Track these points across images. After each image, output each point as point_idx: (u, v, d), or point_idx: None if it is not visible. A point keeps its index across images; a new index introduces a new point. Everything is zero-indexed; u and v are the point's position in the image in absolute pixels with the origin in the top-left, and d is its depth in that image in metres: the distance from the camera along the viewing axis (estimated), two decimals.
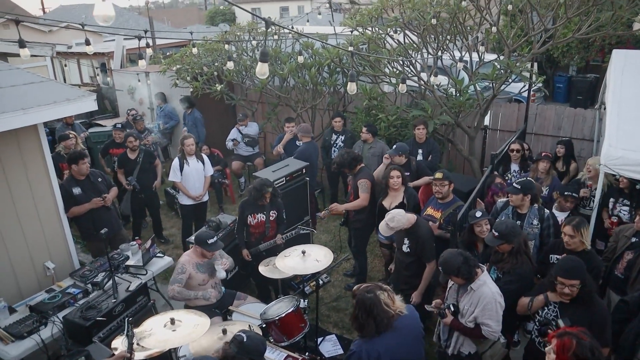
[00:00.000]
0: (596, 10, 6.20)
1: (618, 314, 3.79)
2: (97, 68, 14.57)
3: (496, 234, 3.93)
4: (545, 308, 3.69)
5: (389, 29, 7.37)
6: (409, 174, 5.86)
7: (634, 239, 4.39)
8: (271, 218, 5.40)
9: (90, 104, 5.07)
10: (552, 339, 2.76)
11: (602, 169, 4.54)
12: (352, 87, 4.42)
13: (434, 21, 6.65)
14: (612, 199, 5.28)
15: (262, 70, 3.30)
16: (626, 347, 3.53)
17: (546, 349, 2.84)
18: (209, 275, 4.68)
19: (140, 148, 7.04)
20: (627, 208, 5.18)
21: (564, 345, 2.64)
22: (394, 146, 5.94)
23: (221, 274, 4.72)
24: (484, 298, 3.52)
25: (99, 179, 5.82)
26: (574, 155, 6.47)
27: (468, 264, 3.53)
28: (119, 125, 7.72)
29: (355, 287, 3.27)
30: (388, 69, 7.69)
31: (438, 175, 4.94)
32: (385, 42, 7.60)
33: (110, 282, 4.73)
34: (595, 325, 3.39)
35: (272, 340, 4.11)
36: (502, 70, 6.67)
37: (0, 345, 4.11)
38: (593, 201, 5.28)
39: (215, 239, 4.57)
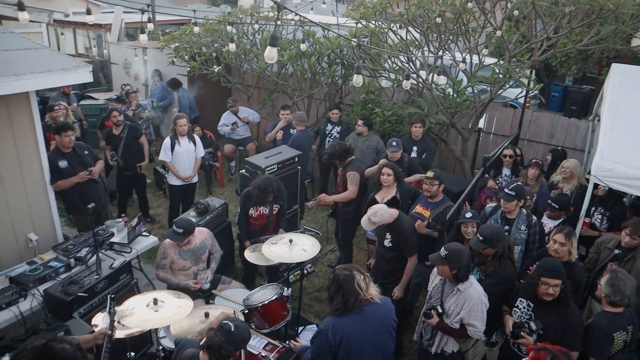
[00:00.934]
0: (599, 23, 6.21)
1: None
2: (93, 39, 14.33)
3: (481, 238, 3.97)
4: (518, 311, 3.77)
5: (392, 24, 7.33)
6: (400, 170, 5.87)
7: (617, 251, 4.47)
8: (274, 212, 5.37)
9: (85, 75, 4.99)
10: (531, 351, 2.83)
11: (591, 180, 4.59)
12: (358, 80, 4.40)
13: (438, 20, 6.62)
14: (593, 207, 5.39)
15: (270, 54, 3.25)
16: None
17: (523, 359, 2.90)
18: (191, 263, 4.65)
19: (125, 123, 6.94)
20: (600, 216, 5.34)
21: (538, 358, 2.73)
22: (394, 142, 5.95)
23: (204, 286, 4.66)
24: (471, 299, 3.57)
25: (86, 152, 5.73)
26: None
27: (469, 266, 3.63)
28: (114, 97, 7.61)
29: (337, 266, 3.36)
30: (388, 64, 7.66)
31: (429, 174, 4.95)
32: (388, 37, 7.56)
33: (94, 257, 4.68)
34: (568, 330, 3.49)
35: (253, 327, 4.10)
36: (500, 75, 6.68)
37: None
38: None
39: (180, 230, 4.41)
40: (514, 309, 3.81)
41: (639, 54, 8.21)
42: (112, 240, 5.19)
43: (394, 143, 5.92)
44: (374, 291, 3.25)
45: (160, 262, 4.58)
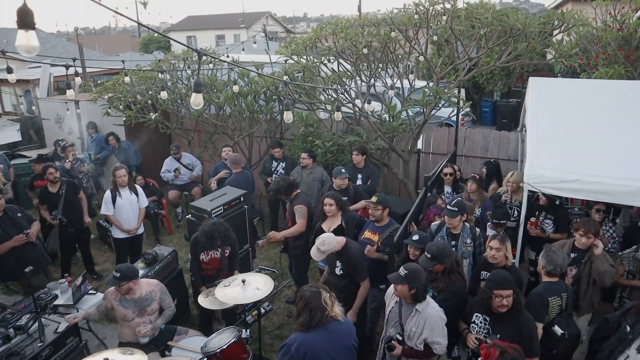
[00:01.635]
0: (513, 41, 6.67)
1: (600, 332, 3.99)
2: (20, 96, 13.87)
3: (429, 255, 4.09)
4: (476, 326, 3.85)
5: (323, 58, 7.56)
6: (347, 198, 5.97)
7: (573, 254, 4.65)
8: (226, 254, 5.25)
9: (12, 134, 4.88)
10: (483, 349, 3.03)
11: (525, 187, 4.84)
12: (288, 116, 4.51)
13: (365, 50, 6.90)
14: (537, 213, 5.66)
15: (196, 100, 3.29)
16: None
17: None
18: (133, 313, 4.46)
19: (62, 180, 6.67)
20: (549, 221, 5.62)
21: (488, 355, 2.96)
22: (342, 169, 6.10)
23: (141, 340, 4.44)
24: (431, 318, 3.63)
25: (19, 214, 5.48)
26: (500, 175, 6.84)
27: (426, 287, 3.71)
28: (35, 157, 7.28)
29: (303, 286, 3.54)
30: (323, 96, 7.86)
31: (373, 199, 5.06)
32: (320, 70, 7.78)
33: (36, 324, 4.43)
34: (524, 338, 3.57)
35: None
36: (431, 96, 6.99)
37: None
38: (516, 212, 5.63)
39: (117, 274, 4.31)
40: (471, 325, 3.88)
41: (553, 66, 8.88)
42: (56, 302, 4.94)
43: (343, 170, 6.08)
44: (338, 310, 3.40)
45: (99, 302, 4.65)
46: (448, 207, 4.87)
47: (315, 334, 3.29)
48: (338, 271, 4.54)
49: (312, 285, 3.46)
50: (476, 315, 3.86)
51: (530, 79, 6.44)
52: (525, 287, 4.94)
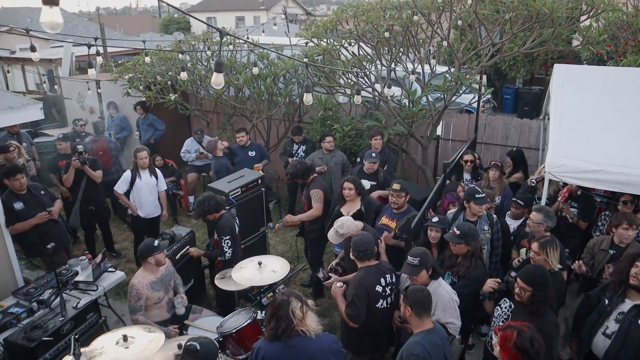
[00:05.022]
0: (539, 27, 6.50)
1: (582, 308, 4.01)
2: (43, 75, 14.04)
3: (457, 232, 4.06)
4: (499, 309, 3.81)
5: (343, 41, 7.48)
6: (375, 183, 5.96)
7: (612, 252, 4.59)
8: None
9: (36, 113, 4.90)
10: (498, 331, 2.95)
11: (546, 176, 4.76)
12: (307, 98, 4.47)
13: (387, 34, 6.80)
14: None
15: (217, 80, 3.27)
16: (585, 337, 3.83)
17: (492, 341, 3.05)
18: (163, 292, 4.56)
19: (88, 157, 6.75)
20: (575, 210, 5.50)
21: (505, 337, 2.86)
22: (373, 154, 6.05)
23: (180, 310, 4.58)
24: (443, 299, 3.64)
25: (42, 192, 5.57)
26: (525, 164, 6.72)
27: (435, 262, 3.77)
28: (60, 135, 7.31)
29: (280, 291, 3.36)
30: (343, 80, 7.79)
31: (396, 186, 4.99)
32: (340, 53, 7.71)
33: (58, 299, 4.54)
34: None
35: (229, 354, 4.04)
36: (452, 82, 6.88)
37: None
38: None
39: (156, 242, 4.49)
40: (496, 307, 3.87)
41: (579, 53, 8.66)
42: (77, 279, 5.05)
43: (373, 154, 6.02)
44: (313, 324, 3.12)
45: (135, 305, 4.30)
46: (477, 196, 4.77)
47: (275, 347, 3.06)
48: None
49: (284, 292, 3.17)
50: (504, 300, 3.84)
51: (555, 65, 6.28)
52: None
